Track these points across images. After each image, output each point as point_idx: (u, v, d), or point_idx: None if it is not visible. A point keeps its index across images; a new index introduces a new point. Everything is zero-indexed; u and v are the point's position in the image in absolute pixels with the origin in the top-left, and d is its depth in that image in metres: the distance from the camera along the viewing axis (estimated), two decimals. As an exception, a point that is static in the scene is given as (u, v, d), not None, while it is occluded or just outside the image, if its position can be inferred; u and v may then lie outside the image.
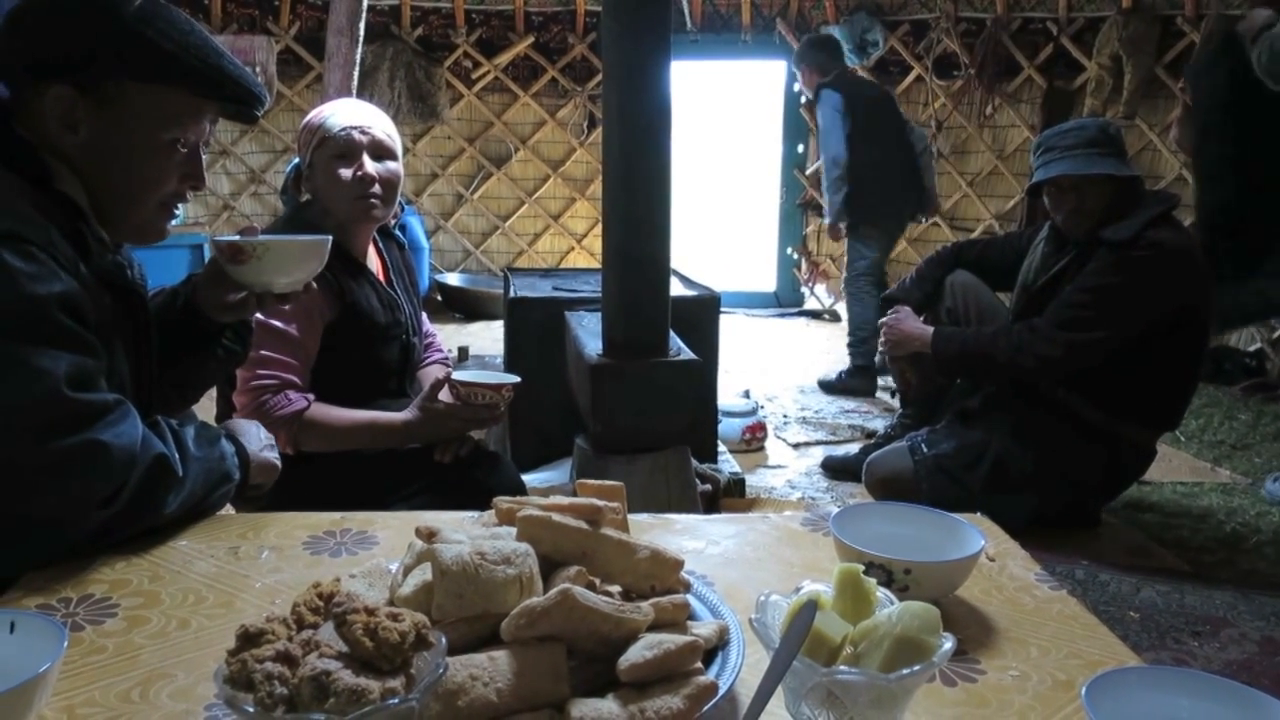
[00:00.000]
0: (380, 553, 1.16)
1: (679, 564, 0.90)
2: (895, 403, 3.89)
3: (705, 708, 0.76)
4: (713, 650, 0.84)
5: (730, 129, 10.26)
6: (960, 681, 0.90)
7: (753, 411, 4.01)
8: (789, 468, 3.72)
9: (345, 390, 1.90)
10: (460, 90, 7.02)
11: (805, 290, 7.47)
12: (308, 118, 1.96)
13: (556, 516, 0.86)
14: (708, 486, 2.74)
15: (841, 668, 0.75)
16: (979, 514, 1.28)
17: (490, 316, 6.49)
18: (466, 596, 0.78)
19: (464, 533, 0.89)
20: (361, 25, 4.76)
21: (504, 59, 7.01)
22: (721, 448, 3.24)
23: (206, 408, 1.69)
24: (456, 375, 1.91)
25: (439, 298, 6.87)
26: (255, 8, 6.69)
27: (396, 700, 0.67)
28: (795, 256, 7.37)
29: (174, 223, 1.41)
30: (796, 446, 3.99)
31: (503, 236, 7.38)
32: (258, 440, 1.38)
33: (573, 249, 7.39)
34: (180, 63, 1.19)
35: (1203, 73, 3.76)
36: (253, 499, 1.40)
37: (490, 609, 0.79)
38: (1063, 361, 2.70)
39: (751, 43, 7.10)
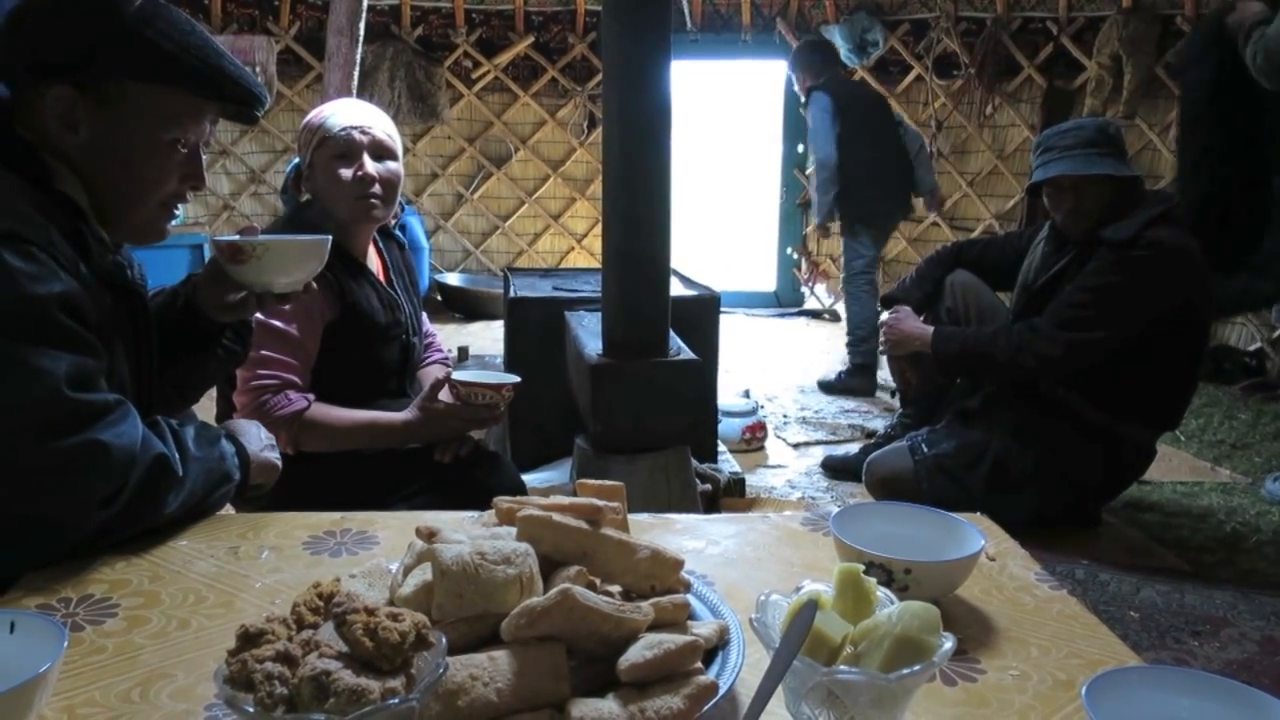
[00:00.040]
0: (380, 553, 1.16)
1: (679, 564, 0.90)
2: (895, 402, 3.89)
3: (705, 707, 0.76)
4: (713, 650, 0.84)
5: (730, 129, 10.26)
6: (960, 681, 0.90)
7: (753, 411, 4.01)
8: (789, 467, 3.72)
9: (345, 390, 1.90)
10: (460, 90, 7.02)
11: (805, 290, 7.47)
12: (308, 118, 1.96)
13: (557, 516, 0.86)
14: (708, 486, 2.74)
15: (842, 667, 0.75)
16: (979, 514, 1.28)
17: (490, 316, 6.49)
18: (467, 596, 0.78)
19: (464, 533, 0.89)
20: (361, 25, 4.76)
21: (504, 59, 7.01)
22: (721, 447, 3.24)
23: (206, 408, 1.69)
24: (457, 375, 1.91)
25: (439, 298, 6.87)
26: (255, 8, 6.69)
27: (397, 700, 0.67)
28: (795, 256, 7.37)
29: (174, 223, 1.41)
30: (796, 446, 3.99)
31: (503, 236, 7.38)
32: (258, 440, 1.38)
33: (573, 249, 7.39)
34: (181, 63, 1.19)
35: (1191, 64, 3.73)
36: (253, 499, 1.40)
37: (490, 609, 0.79)
38: (1063, 361, 2.69)
39: (751, 42, 7.10)
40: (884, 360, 3.26)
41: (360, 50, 4.79)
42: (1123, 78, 5.98)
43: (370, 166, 1.88)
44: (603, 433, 2.30)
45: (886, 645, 0.76)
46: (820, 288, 7.35)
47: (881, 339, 3.13)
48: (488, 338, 5.89)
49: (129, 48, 1.17)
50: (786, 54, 6.88)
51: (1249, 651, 2.24)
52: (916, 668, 0.74)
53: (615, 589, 0.89)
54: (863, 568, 0.84)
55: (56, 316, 1.08)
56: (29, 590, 1.03)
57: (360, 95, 5.19)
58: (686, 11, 6.85)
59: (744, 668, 0.83)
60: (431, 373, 2.08)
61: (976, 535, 1.04)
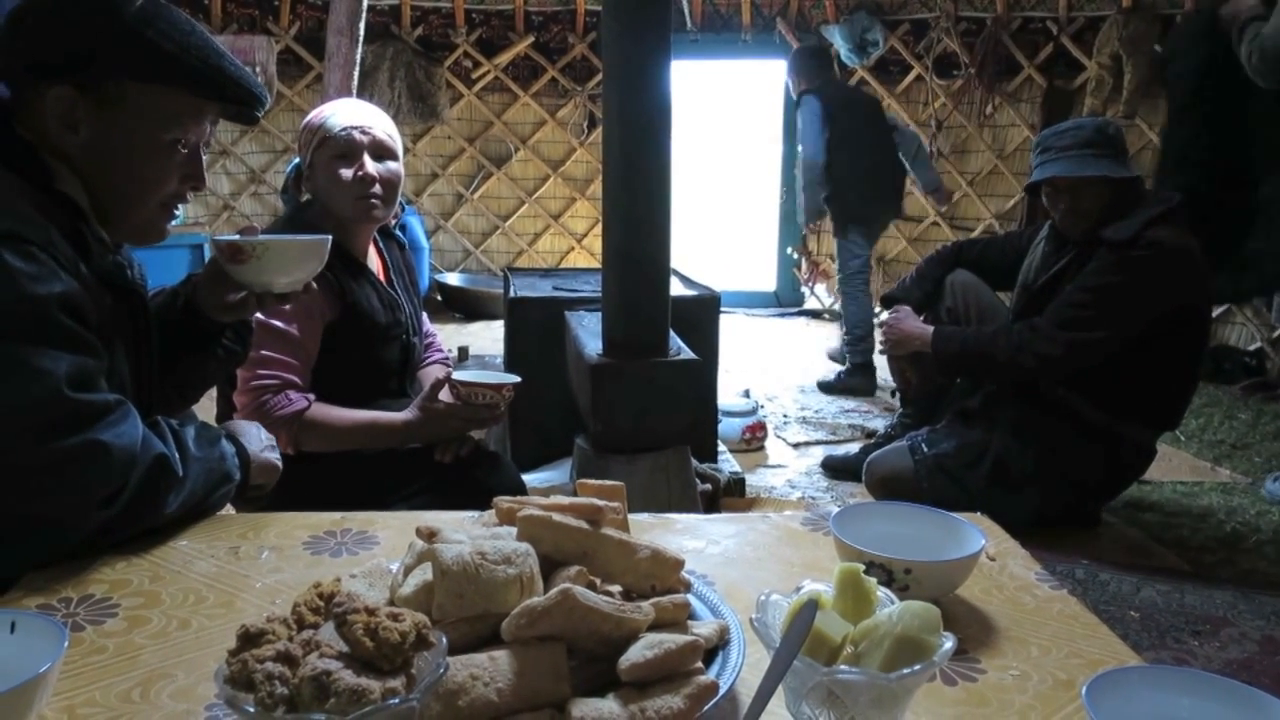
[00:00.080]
0: (381, 553, 1.16)
1: (679, 564, 0.90)
2: (895, 402, 3.89)
3: (706, 707, 0.76)
4: (713, 650, 0.84)
5: (730, 128, 10.26)
6: (961, 681, 0.90)
7: (753, 411, 4.01)
8: (789, 467, 3.72)
9: (346, 390, 1.90)
10: (460, 90, 7.02)
11: (805, 290, 7.47)
12: (308, 118, 1.96)
13: (557, 516, 0.86)
14: (708, 486, 2.74)
15: (842, 667, 0.75)
16: (979, 513, 1.28)
17: (490, 316, 6.49)
18: (467, 596, 0.78)
19: (464, 532, 0.89)
20: (361, 25, 4.76)
21: (504, 59, 7.01)
22: (721, 447, 3.24)
23: (207, 408, 1.69)
24: (457, 375, 1.91)
25: (439, 297, 6.87)
26: (255, 8, 6.70)
27: (397, 700, 0.67)
28: (795, 256, 7.36)
29: (174, 223, 1.41)
30: (796, 446, 3.99)
31: (503, 236, 7.38)
32: (258, 441, 1.38)
33: (573, 249, 7.39)
34: (181, 63, 1.19)
35: (1180, 54, 3.68)
36: (253, 500, 1.40)
37: (491, 609, 0.79)
38: (1063, 361, 2.69)
39: (751, 42, 7.10)
40: (884, 360, 3.26)
41: (360, 50, 4.79)
42: (1123, 77, 5.97)
43: (371, 166, 1.88)
44: (603, 433, 2.30)
45: (887, 645, 0.76)
46: (820, 288, 7.35)
47: (881, 338, 3.13)
48: (488, 338, 5.89)
49: (129, 48, 1.17)
50: (786, 54, 6.89)
51: (1249, 651, 2.24)
52: (917, 667, 0.74)
53: (615, 589, 0.89)
54: (863, 567, 0.84)
55: (57, 316, 1.08)
56: (29, 590, 1.03)
57: (360, 95, 5.19)
58: (686, 11, 6.85)
59: (744, 667, 0.83)
60: (432, 373, 2.08)
61: (977, 535, 1.04)
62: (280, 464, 1.41)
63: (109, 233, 1.25)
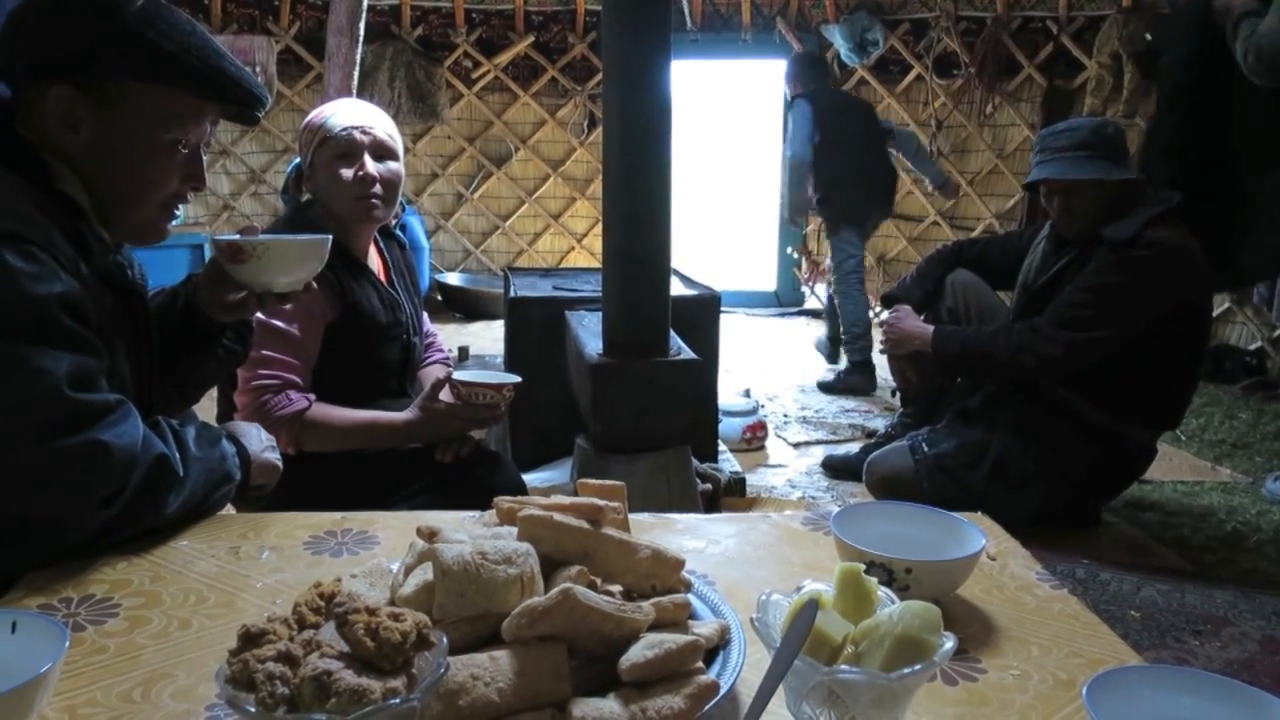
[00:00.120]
0: (381, 552, 1.16)
1: (680, 563, 0.90)
2: (895, 402, 3.89)
3: (706, 707, 0.76)
4: (714, 650, 0.84)
5: (730, 128, 10.26)
6: (961, 680, 0.90)
7: (753, 411, 4.01)
8: (789, 467, 3.72)
9: (346, 390, 1.90)
10: (460, 90, 7.02)
11: (805, 290, 7.47)
12: (309, 118, 1.96)
13: (558, 516, 0.86)
14: (708, 486, 2.74)
15: (843, 667, 0.75)
16: (980, 513, 1.28)
17: (490, 316, 6.49)
18: (468, 596, 0.78)
19: (465, 532, 0.89)
20: (361, 25, 4.76)
21: (504, 58, 7.01)
22: (722, 447, 3.24)
23: (207, 408, 1.69)
24: (457, 375, 1.91)
25: (439, 297, 6.87)
26: (255, 8, 6.70)
27: (398, 700, 0.67)
28: (795, 256, 7.36)
29: (174, 223, 1.40)
30: (797, 446, 3.99)
31: (503, 236, 7.39)
32: (259, 442, 1.38)
33: (573, 248, 7.39)
34: (181, 63, 1.19)
35: (1171, 44, 3.61)
36: (254, 500, 1.40)
37: (491, 609, 0.79)
38: (1063, 361, 2.69)
39: (752, 42, 7.10)
40: (884, 359, 3.26)
41: (360, 50, 4.79)
42: (1123, 77, 5.97)
43: (371, 166, 1.88)
44: (603, 432, 2.30)
45: (887, 645, 0.76)
46: (820, 287, 7.34)
47: (882, 338, 3.13)
48: (488, 337, 5.89)
49: (130, 48, 1.17)
50: (787, 53, 6.91)
51: (1250, 651, 2.24)
52: (917, 667, 0.74)
53: (616, 589, 0.89)
54: (863, 567, 0.84)
55: (57, 316, 1.08)
56: (30, 590, 1.03)
57: (360, 95, 5.19)
58: (686, 11, 6.85)
59: (745, 667, 0.83)
60: (432, 372, 2.08)
61: (977, 535, 1.04)
62: (280, 464, 1.41)
63: (109, 233, 1.25)
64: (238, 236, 1.35)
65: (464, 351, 4.45)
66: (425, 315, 2.21)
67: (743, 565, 1.15)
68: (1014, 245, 3.13)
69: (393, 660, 0.69)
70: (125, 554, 1.12)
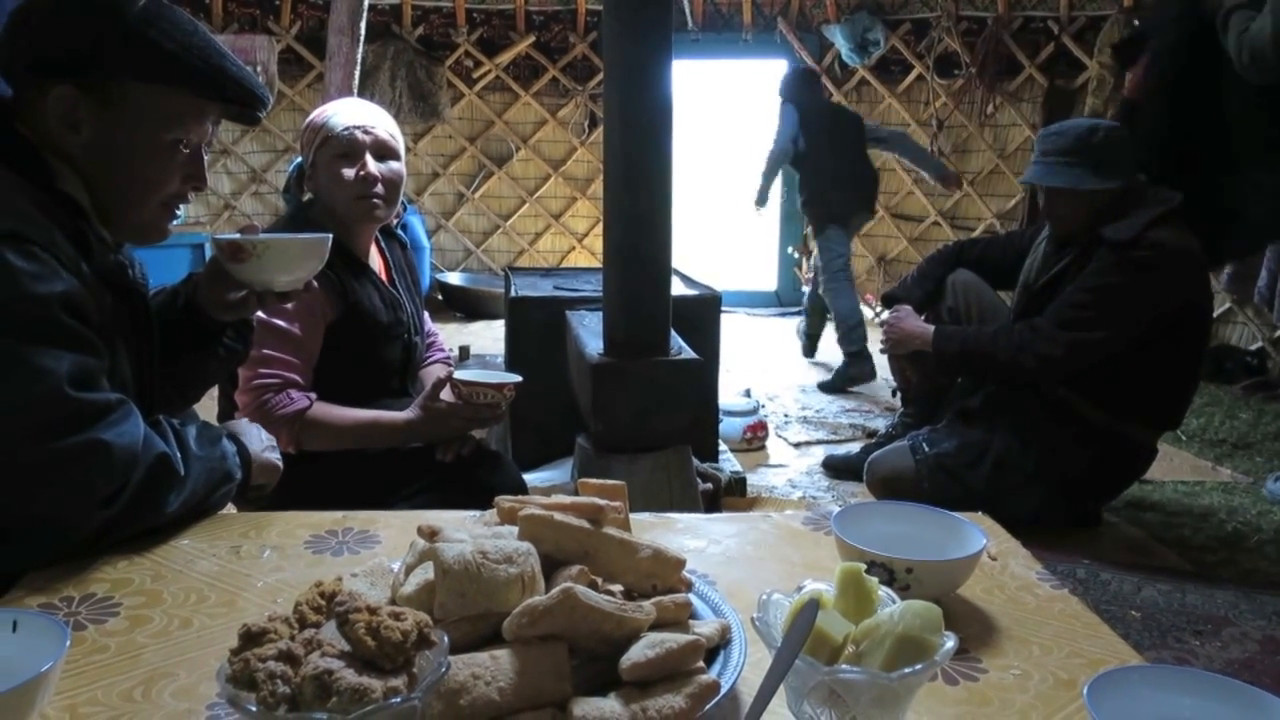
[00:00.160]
0: (382, 552, 1.16)
1: (681, 563, 0.90)
2: (896, 402, 3.89)
3: (707, 706, 0.76)
4: (715, 649, 0.84)
5: (731, 128, 10.26)
6: (962, 680, 0.90)
7: (754, 410, 4.01)
8: (790, 467, 3.72)
9: (347, 389, 1.90)
10: (461, 89, 7.02)
11: (806, 289, 7.46)
12: (310, 117, 1.96)
13: (558, 515, 0.86)
14: (709, 485, 2.74)
15: (843, 666, 0.75)
16: (980, 513, 1.28)
17: (491, 316, 6.49)
18: (469, 595, 0.78)
19: (466, 532, 0.89)
20: (363, 24, 4.76)
21: (505, 58, 7.01)
22: (722, 447, 3.24)
23: (208, 407, 1.69)
24: (458, 374, 1.91)
25: (440, 297, 6.87)
26: (256, 7, 6.70)
27: (399, 699, 0.67)
28: (796, 256, 7.37)
29: (175, 222, 1.40)
30: (797, 445, 3.99)
31: (504, 236, 7.39)
32: (259, 441, 1.38)
33: (574, 248, 7.40)
34: (183, 63, 1.19)
35: (1158, 32, 3.57)
36: (255, 500, 1.40)
37: (492, 608, 0.79)
38: (1064, 361, 2.69)
39: (752, 42, 7.10)
40: (884, 358, 3.26)
41: (361, 49, 4.79)
42: (1124, 77, 5.97)
43: (372, 166, 1.88)
44: (604, 432, 2.30)
45: (888, 644, 0.76)
46: (807, 287, 7.35)
47: (882, 338, 3.13)
48: (489, 337, 5.89)
49: (131, 48, 1.17)
50: (788, 53, 6.93)
51: (1250, 651, 2.24)
52: (918, 667, 0.74)
53: (617, 588, 0.88)
54: (864, 567, 0.84)
55: (58, 316, 1.08)
56: (31, 589, 1.03)
57: (361, 94, 5.19)
58: (687, 11, 6.85)
59: (746, 667, 0.83)
60: (433, 372, 2.08)
61: (978, 534, 1.04)
62: (281, 464, 1.40)
63: (110, 232, 1.25)
64: (238, 235, 1.35)
65: (465, 351, 4.45)
66: (426, 315, 2.21)
67: (743, 565, 1.15)
68: (1015, 245, 3.13)
69: (394, 659, 0.69)
70: (126, 553, 1.12)
